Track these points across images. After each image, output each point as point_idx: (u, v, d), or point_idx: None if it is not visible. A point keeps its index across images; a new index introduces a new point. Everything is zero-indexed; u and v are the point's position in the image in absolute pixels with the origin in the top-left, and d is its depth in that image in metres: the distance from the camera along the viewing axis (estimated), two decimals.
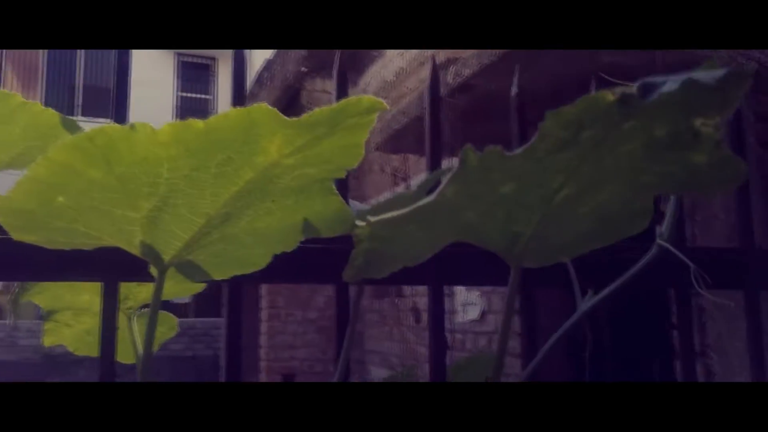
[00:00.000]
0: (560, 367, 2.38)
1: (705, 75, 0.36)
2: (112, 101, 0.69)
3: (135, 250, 0.53)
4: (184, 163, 0.47)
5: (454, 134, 3.05)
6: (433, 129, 0.79)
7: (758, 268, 0.81)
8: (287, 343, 5.81)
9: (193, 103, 14.05)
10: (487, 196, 0.48)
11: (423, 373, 0.82)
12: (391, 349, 5.15)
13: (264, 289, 6.02)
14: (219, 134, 0.46)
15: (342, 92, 0.78)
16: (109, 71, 12.86)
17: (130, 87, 0.74)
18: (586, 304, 0.67)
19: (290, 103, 5.92)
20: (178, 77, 14.20)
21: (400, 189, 4.58)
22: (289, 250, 0.60)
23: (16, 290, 0.68)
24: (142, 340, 0.63)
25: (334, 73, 0.79)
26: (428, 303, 0.76)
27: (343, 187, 0.74)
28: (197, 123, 0.44)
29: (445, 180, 0.45)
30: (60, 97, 13.14)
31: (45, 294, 0.72)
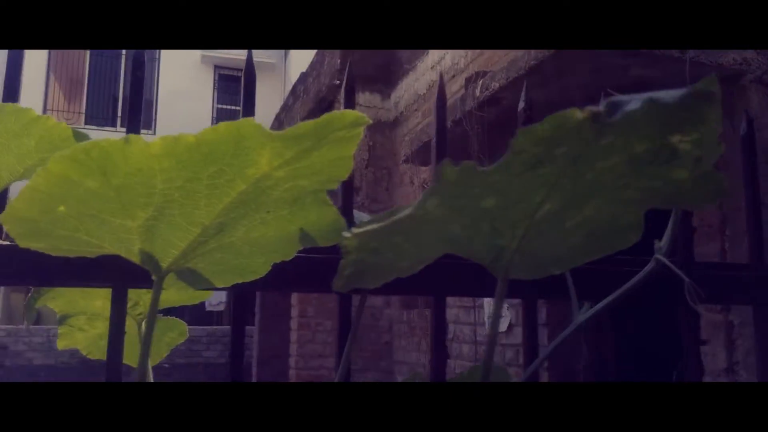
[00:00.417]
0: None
1: (666, 94, 0.36)
2: (125, 113, 0.72)
3: (135, 258, 0.56)
4: (177, 174, 0.49)
5: (481, 147, 3.05)
6: (439, 143, 0.80)
7: (766, 284, 0.80)
8: (317, 352, 5.84)
9: (230, 115, 14.31)
10: (470, 210, 0.49)
11: None
12: (419, 359, 5.15)
13: (294, 298, 6.07)
14: (209, 147, 0.48)
15: (349, 104, 0.80)
16: (151, 83, 13.18)
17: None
18: (582, 316, 0.67)
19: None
20: (216, 89, 14.50)
21: None
22: (287, 258, 0.62)
23: (30, 295, 0.71)
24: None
25: (342, 89, 0.81)
26: (430, 314, 0.77)
27: (349, 194, 0.76)
28: (188, 137, 0.47)
29: (423, 194, 0.46)
30: (103, 108, 13.49)
31: (59, 299, 0.75)
